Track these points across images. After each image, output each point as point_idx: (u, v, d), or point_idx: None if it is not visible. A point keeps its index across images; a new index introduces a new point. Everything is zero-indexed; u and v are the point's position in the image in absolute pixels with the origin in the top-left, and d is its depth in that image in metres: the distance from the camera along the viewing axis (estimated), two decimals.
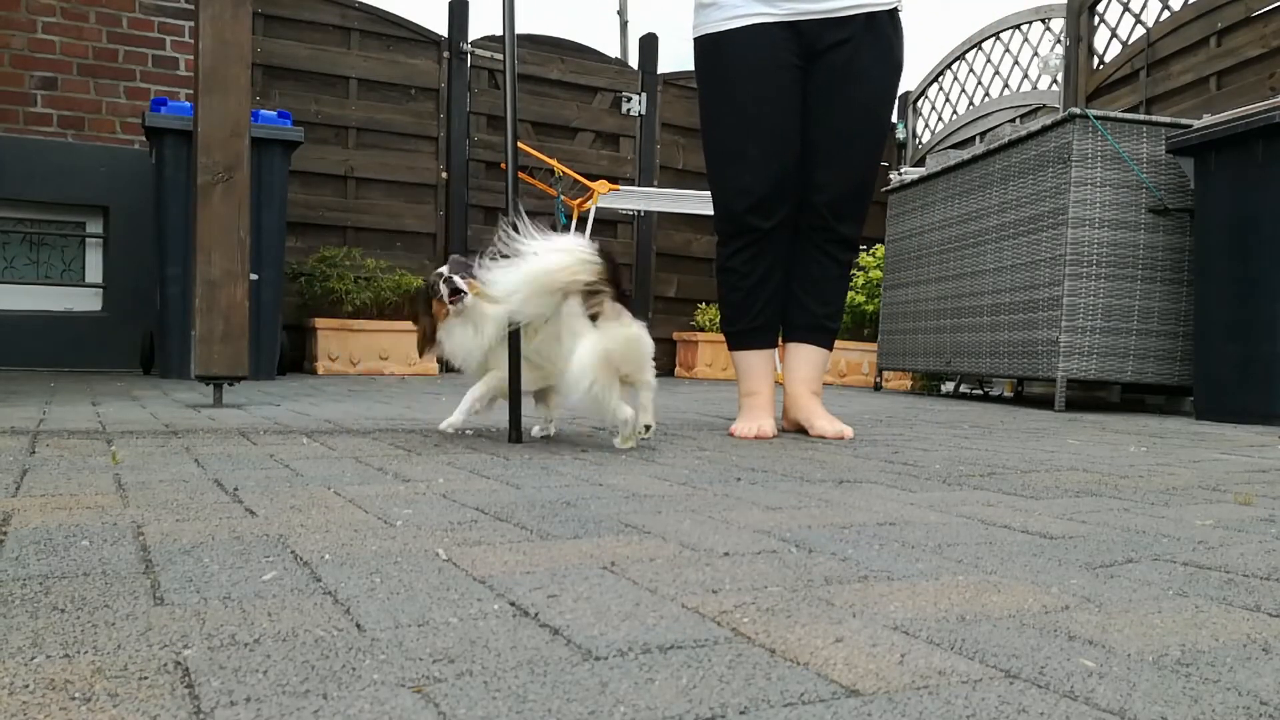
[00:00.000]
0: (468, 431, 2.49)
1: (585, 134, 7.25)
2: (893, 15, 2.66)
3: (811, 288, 2.75)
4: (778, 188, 2.65)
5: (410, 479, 1.64)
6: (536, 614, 0.86)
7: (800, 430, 2.75)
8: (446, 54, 6.72)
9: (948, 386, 6.30)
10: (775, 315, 2.76)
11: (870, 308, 6.72)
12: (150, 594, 0.89)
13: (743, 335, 2.76)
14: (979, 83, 7.19)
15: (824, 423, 2.67)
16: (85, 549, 1.06)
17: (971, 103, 7.26)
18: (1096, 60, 6.02)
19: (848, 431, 2.65)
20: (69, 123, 5.65)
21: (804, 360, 2.77)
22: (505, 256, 2.08)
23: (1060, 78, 6.21)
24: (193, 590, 0.91)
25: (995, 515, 1.44)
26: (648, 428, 2.22)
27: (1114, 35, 5.87)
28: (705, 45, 2.70)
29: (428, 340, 2.44)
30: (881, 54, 2.64)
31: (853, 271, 2.76)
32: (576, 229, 6.09)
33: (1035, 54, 6.54)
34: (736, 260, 2.72)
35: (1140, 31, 5.61)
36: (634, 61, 7.67)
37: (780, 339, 2.82)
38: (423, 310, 2.44)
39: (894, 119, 8.02)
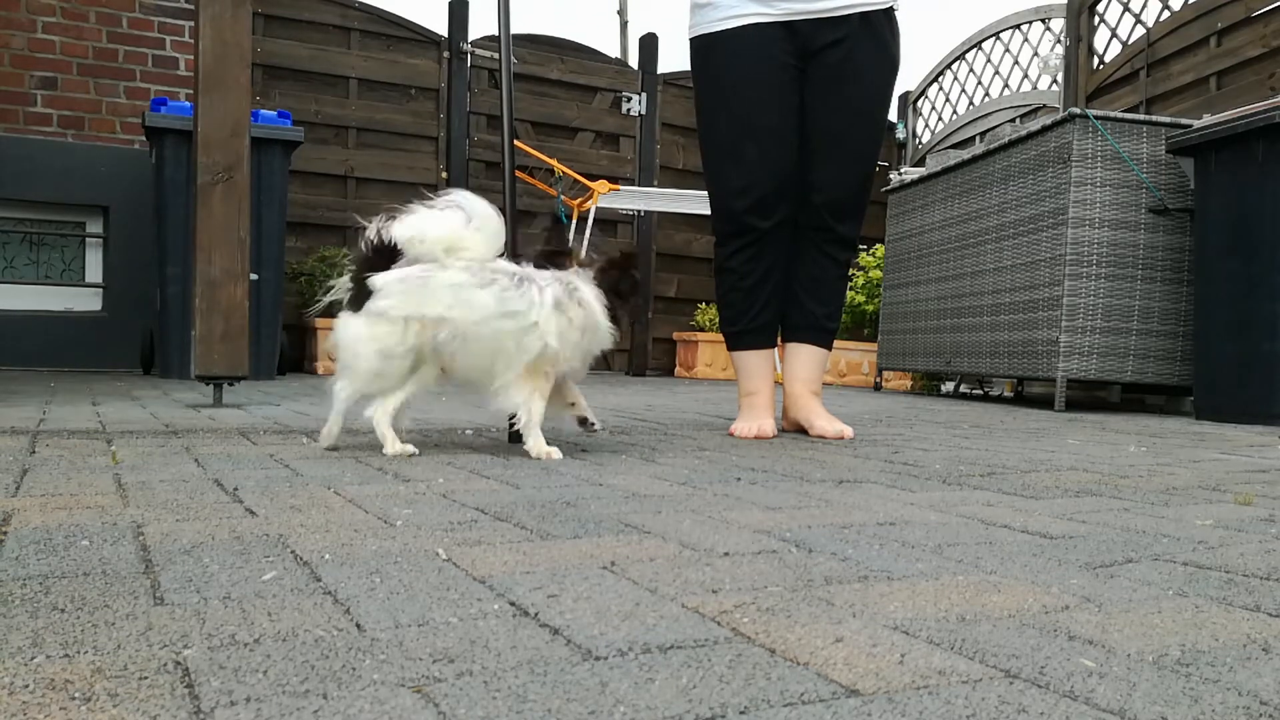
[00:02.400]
0: (467, 431, 2.49)
1: (585, 134, 7.25)
2: (889, 14, 2.65)
3: (811, 288, 2.75)
4: (776, 188, 2.65)
5: (410, 479, 1.64)
6: (536, 614, 0.86)
7: (800, 430, 2.75)
8: (446, 54, 6.72)
9: (948, 386, 6.30)
10: (775, 315, 2.76)
11: (870, 308, 6.72)
12: (150, 594, 0.89)
13: (742, 335, 2.76)
14: (979, 83, 7.19)
15: (824, 422, 2.67)
16: (85, 549, 1.06)
17: (971, 103, 7.26)
18: (1096, 60, 6.02)
19: (848, 431, 2.64)
20: (69, 123, 5.65)
21: (804, 360, 2.77)
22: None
23: (1060, 78, 6.21)
24: (193, 590, 0.91)
25: (995, 515, 1.44)
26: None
27: (1114, 35, 5.86)
28: (701, 46, 2.70)
29: None
30: (877, 53, 2.64)
31: (852, 271, 2.77)
32: (577, 229, 6.09)
33: (1035, 54, 6.54)
34: (735, 261, 2.71)
35: (1140, 31, 5.61)
36: (634, 61, 7.67)
37: (780, 339, 2.82)
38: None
39: (894, 118, 8.02)
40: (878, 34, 2.63)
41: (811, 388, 2.75)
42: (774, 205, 2.66)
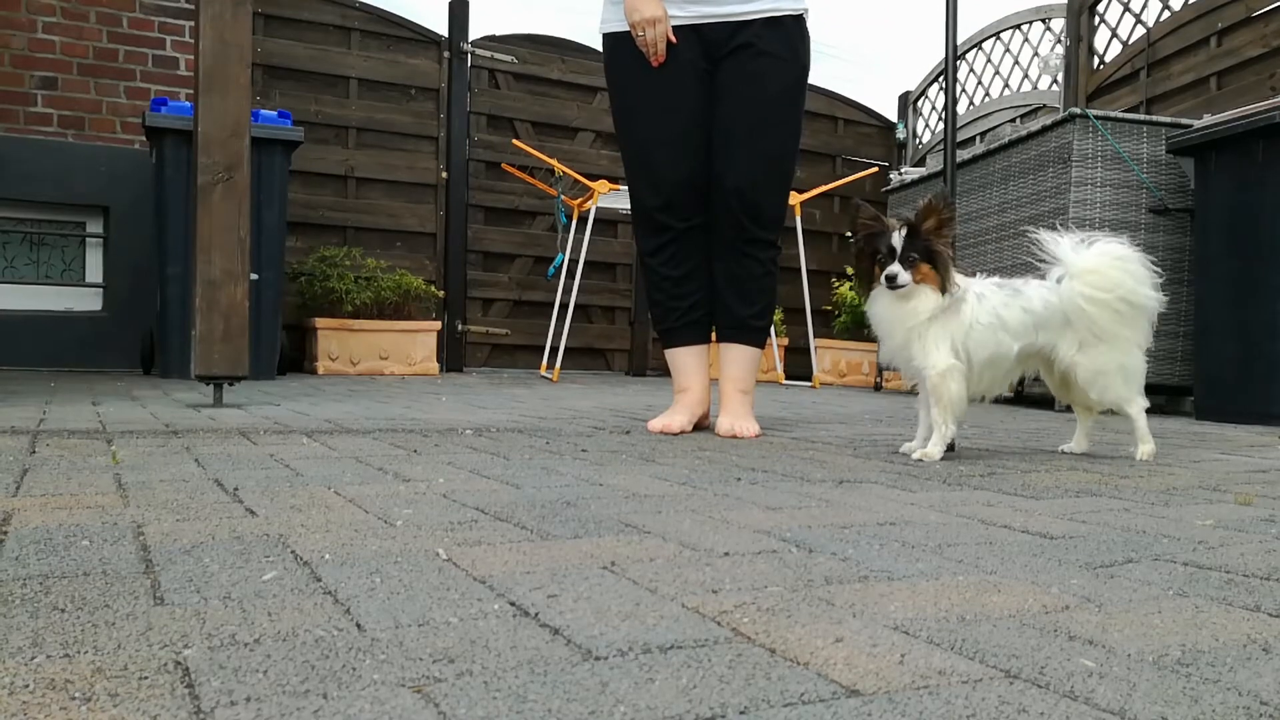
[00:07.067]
0: (467, 431, 2.49)
1: (585, 134, 7.24)
2: (798, 19, 2.65)
3: (736, 288, 2.74)
4: (687, 188, 2.67)
5: (410, 479, 1.64)
6: (536, 614, 0.86)
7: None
8: (446, 54, 6.72)
9: None
10: (706, 313, 2.78)
11: None
12: (150, 594, 0.89)
13: (672, 333, 2.79)
14: (979, 83, 7.19)
15: (727, 420, 2.66)
16: (85, 549, 1.06)
17: (972, 103, 7.25)
18: (1096, 60, 6.02)
19: (741, 430, 2.61)
20: (69, 123, 5.65)
21: (731, 360, 2.78)
22: None
23: (1060, 78, 6.21)
24: (193, 590, 0.91)
25: (995, 515, 1.44)
26: None
27: (1114, 35, 5.86)
28: (611, 43, 2.73)
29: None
30: (784, 56, 2.63)
31: (776, 268, 2.76)
32: (576, 229, 6.08)
33: (1035, 54, 6.54)
34: (657, 260, 2.75)
35: (1140, 31, 5.61)
36: None
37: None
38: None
39: (894, 118, 8.03)
40: (785, 38, 2.63)
41: (739, 386, 2.75)
42: (687, 205, 2.68)
